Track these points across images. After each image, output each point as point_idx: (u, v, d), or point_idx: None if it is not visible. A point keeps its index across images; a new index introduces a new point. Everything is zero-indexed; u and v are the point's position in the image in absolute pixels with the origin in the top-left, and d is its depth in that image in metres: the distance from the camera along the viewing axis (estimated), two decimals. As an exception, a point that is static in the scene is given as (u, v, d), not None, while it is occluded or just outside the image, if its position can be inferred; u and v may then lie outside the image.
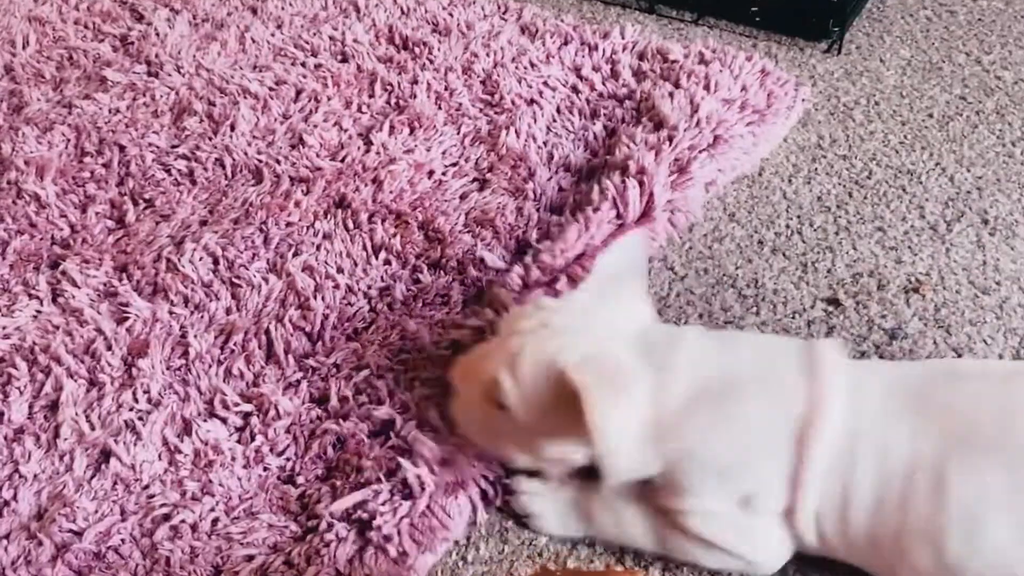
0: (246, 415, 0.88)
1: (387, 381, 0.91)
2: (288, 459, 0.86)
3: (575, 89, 1.27)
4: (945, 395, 0.72)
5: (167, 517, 0.81)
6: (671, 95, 1.19)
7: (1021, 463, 0.67)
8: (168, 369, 0.93)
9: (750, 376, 0.74)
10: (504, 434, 0.78)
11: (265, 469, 0.85)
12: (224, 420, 0.88)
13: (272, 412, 0.88)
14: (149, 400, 0.90)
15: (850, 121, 1.25)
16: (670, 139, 1.11)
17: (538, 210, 1.09)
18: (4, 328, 0.98)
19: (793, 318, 0.99)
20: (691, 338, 0.77)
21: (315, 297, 0.99)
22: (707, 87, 1.20)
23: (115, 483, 0.84)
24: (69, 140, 1.23)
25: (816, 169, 1.18)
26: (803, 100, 1.26)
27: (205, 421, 0.88)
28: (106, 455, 0.86)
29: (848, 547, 0.73)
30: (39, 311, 1.00)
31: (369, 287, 1.02)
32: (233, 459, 0.85)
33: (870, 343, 0.96)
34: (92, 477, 0.84)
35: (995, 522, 0.66)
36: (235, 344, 0.95)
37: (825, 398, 0.72)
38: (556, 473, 0.81)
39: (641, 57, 1.32)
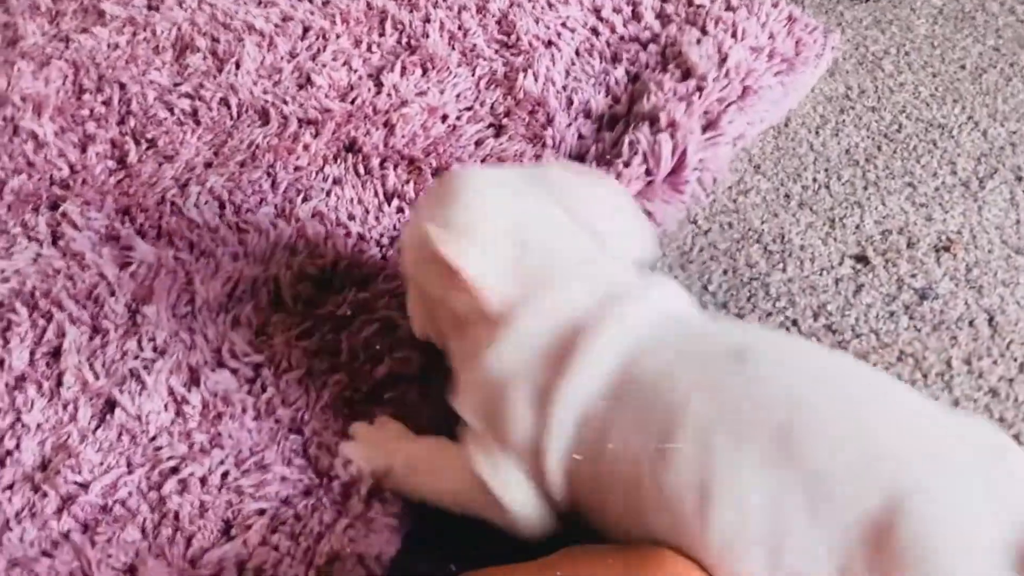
0: (257, 366, 0.85)
1: (399, 333, 0.88)
2: (298, 410, 0.83)
3: (595, 31, 1.22)
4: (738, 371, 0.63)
5: (175, 470, 0.78)
6: (699, 42, 1.15)
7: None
8: (174, 316, 0.89)
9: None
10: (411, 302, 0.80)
11: (276, 421, 0.82)
12: (235, 371, 0.85)
13: (284, 363, 0.85)
14: (155, 348, 0.87)
15: (879, 71, 1.20)
16: (699, 90, 1.06)
17: (557, 158, 1.05)
18: (3, 271, 0.94)
19: (820, 275, 0.96)
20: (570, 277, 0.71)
21: (325, 244, 0.96)
22: (734, 34, 1.15)
23: (120, 434, 0.81)
24: (67, 76, 1.18)
25: (844, 121, 1.14)
26: (832, 48, 1.21)
27: (213, 371, 0.85)
28: (111, 405, 0.83)
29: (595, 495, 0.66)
30: (39, 254, 0.96)
31: (381, 235, 0.98)
32: (244, 411, 0.82)
33: (899, 303, 0.93)
34: (97, 428, 0.81)
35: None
36: (242, 292, 0.91)
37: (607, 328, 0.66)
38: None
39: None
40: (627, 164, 1.00)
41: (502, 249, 0.71)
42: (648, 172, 1.00)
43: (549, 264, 0.71)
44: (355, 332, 0.88)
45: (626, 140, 1.02)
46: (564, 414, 0.65)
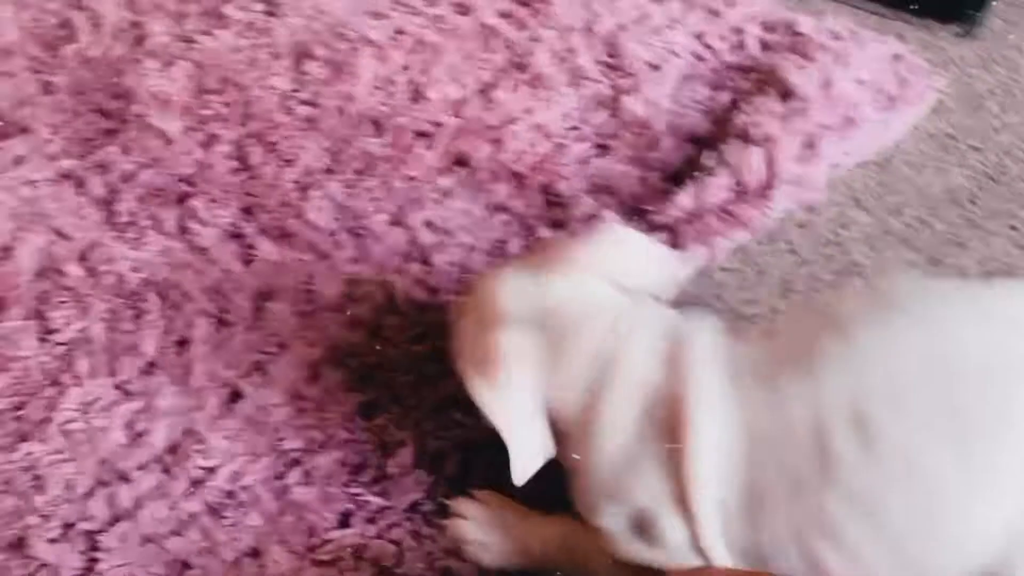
0: (371, 366, 0.89)
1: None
2: (409, 409, 0.87)
3: (699, 57, 1.24)
4: (835, 347, 0.63)
5: (297, 462, 0.83)
6: (801, 68, 1.16)
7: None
8: (295, 314, 0.94)
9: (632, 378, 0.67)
10: None
11: (390, 418, 0.86)
12: (352, 370, 0.89)
13: (398, 367, 0.89)
14: (278, 344, 0.91)
15: (984, 111, 1.21)
16: (802, 111, 1.08)
17: (662, 181, 1.08)
18: (134, 261, 0.99)
19: (921, 313, 0.97)
20: (597, 325, 0.70)
21: (437, 253, 0.99)
22: (841, 64, 1.16)
23: (245, 424, 0.85)
24: (191, 76, 1.24)
25: (947, 160, 1.14)
26: (935, 90, 1.21)
27: (331, 369, 0.89)
28: (236, 395, 0.87)
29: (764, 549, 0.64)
30: (167, 247, 1.02)
31: (490, 246, 1.02)
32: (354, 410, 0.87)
33: (1001, 345, 0.94)
34: (224, 416, 0.86)
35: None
36: (359, 294, 0.96)
37: (690, 397, 0.64)
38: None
39: (768, 29, 1.28)
40: (711, 174, 1.02)
41: (547, 356, 0.69)
42: (738, 183, 1.02)
43: (596, 348, 0.69)
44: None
45: (713, 153, 1.05)
46: (703, 493, 0.63)
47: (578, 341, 0.69)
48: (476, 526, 0.77)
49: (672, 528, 0.65)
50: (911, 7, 1.35)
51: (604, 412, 0.67)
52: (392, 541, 0.77)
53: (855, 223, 1.07)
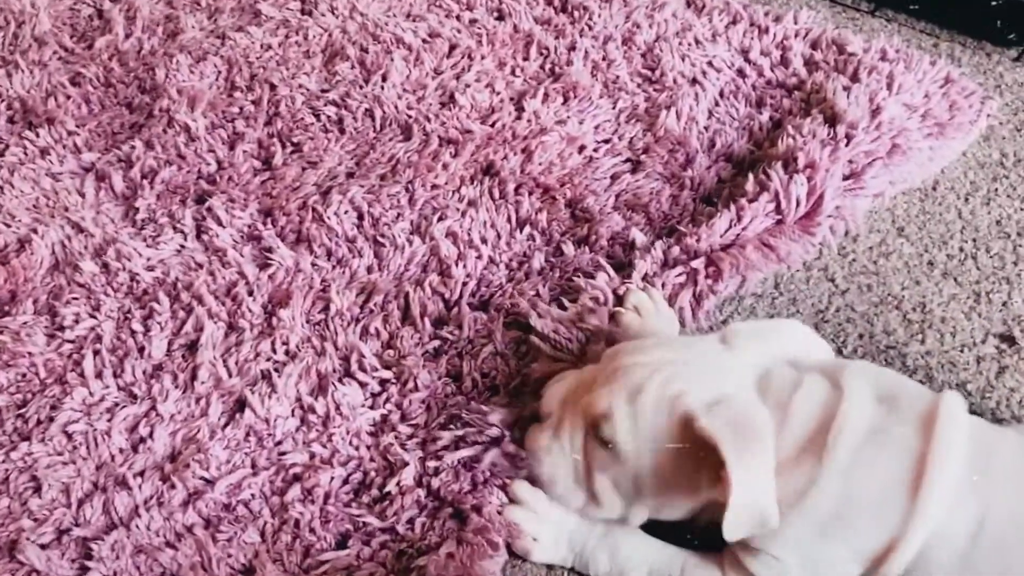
0: (383, 381, 0.87)
1: (509, 361, 0.88)
2: (417, 428, 0.84)
3: (741, 73, 1.20)
4: None
5: (298, 477, 0.80)
6: (847, 89, 1.11)
7: None
8: (308, 323, 0.91)
9: (851, 433, 0.68)
10: (596, 475, 0.73)
11: (396, 437, 0.83)
12: (363, 384, 0.86)
13: (411, 383, 0.86)
14: (287, 352, 0.89)
15: (1038, 140, 1.15)
16: (848, 138, 1.04)
17: (694, 200, 1.04)
18: (149, 260, 0.97)
19: (962, 351, 0.92)
20: (811, 383, 0.71)
21: (456, 265, 0.96)
22: (889, 87, 1.11)
23: (248, 434, 0.83)
24: (220, 72, 1.22)
25: (996, 190, 1.09)
26: (987, 115, 1.16)
27: (341, 382, 0.86)
28: (241, 404, 0.85)
29: None
30: (183, 246, 1.00)
31: (511, 259, 0.99)
32: (362, 427, 0.84)
33: (1046, 391, 0.89)
34: (226, 425, 0.84)
35: None
36: (375, 304, 0.93)
37: (937, 459, 0.66)
38: (636, 523, 0.75)
39: (814, 46, 1.23)
40: (752, 200, 0.98)
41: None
42: (778, 210, 0.98)
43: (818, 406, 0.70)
44: (475, 355, 0.89)
45: (751, 177, 1.00)
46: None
47: (792, 406, 0.69)
48: (531, 517, 0.76)
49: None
50: (968, 30, 1.29)
51: (825, 463, 0.67)
52: (381, 563, 0.74)
53: (896, 252, 1.02)
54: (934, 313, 0.96)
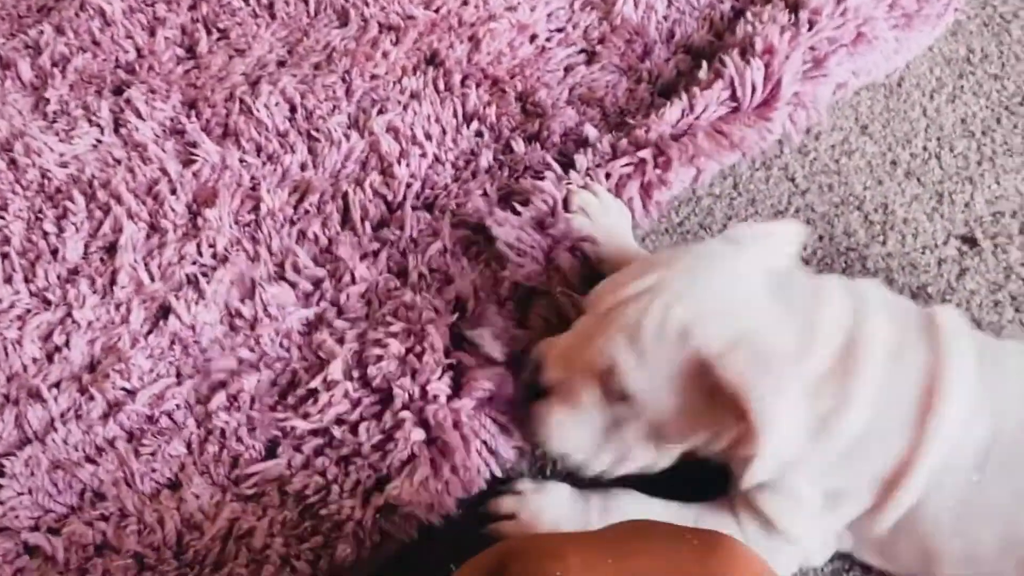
0: (317, 281, 0.81)
1: (460, 261, 0.83)
2: (357, 320, 0.79)
3: (702, -40, 1.13)
4: None
5: (223, 384, 0.75)
6: (812, -22, 1.05)
7: None
8: (236, 224, 0.85)
9: (878, 350, 0.63)
10: (623, 430, 0.66)
11: (332, 333, 0.78)
12: (293, 284, 0.80)
13: (347, 278, 0.80)
14: (215, 255, 0.82)
15: (1005, 35, 1.10)
16: (811, 24, 0.98)
17: (652, 94, 0.98)
18: (62, 155, 0.89)
19: (923, 253, 0.89)
20: (834, 295, 0.65)
21: (399, 163, 0.90)
22: (856, -25, 1.05)
23: (172, 342, 0.77)
24: (139, -50, 1.12)
25: (962, 87, 1.04)
26: (956, 10, 1.11)
27: (270, 284, 0.80)
28: (165, 311, 0.79)
29: (947, 555, 0.64)
30: (99, 140, 0.92)
31: (457, 158, 0.92)
32: (293, 327, 0.78)
33: (1006, 292, 0.86)
34: (149, 333, 0.78)
35: None
36: (310, 205, 0.86)
37: (949, 375, 0.62)
38: (663, 465, 0.68)
39: (779, -69, 1.16)
40: (705, 88, 0.92)
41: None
42: (733, 97, 0.93)
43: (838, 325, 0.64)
44: (422, 251, 0.83)
45: (705, 65, 0.95)
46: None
47: (819, 322, 0.63)
48: (521, 525, 0.70)
49: (862, 500, 0.64)
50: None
51: (856, 385, 0.62)
52: (318, 472, 0.70)
53: (859, 151, 0.98)
54: (896, 214, 0.92)
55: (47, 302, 0.80)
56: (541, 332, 0.77)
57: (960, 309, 0.85)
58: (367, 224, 0.86)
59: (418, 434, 0.72)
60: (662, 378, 0.61)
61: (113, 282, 0.80)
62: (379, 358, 0.74)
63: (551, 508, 0.69)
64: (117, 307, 0.79)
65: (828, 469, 0.64)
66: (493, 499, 0.72)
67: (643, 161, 0.88)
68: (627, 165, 0.88)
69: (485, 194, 0.87)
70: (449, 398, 0.73)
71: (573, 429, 0.66)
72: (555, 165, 0.89)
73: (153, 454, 0.71)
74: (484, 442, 0.71)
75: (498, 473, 0.74)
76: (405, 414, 0.72)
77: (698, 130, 0.91)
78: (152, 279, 0.80)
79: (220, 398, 0.74)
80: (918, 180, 0.95)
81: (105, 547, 0.68)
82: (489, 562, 0.53)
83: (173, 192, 0.86)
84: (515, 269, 0.80)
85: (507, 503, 0.70)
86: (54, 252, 0.83)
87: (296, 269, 0.82)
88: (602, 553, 0.53)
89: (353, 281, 0.81)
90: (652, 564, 0.51)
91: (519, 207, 0.85)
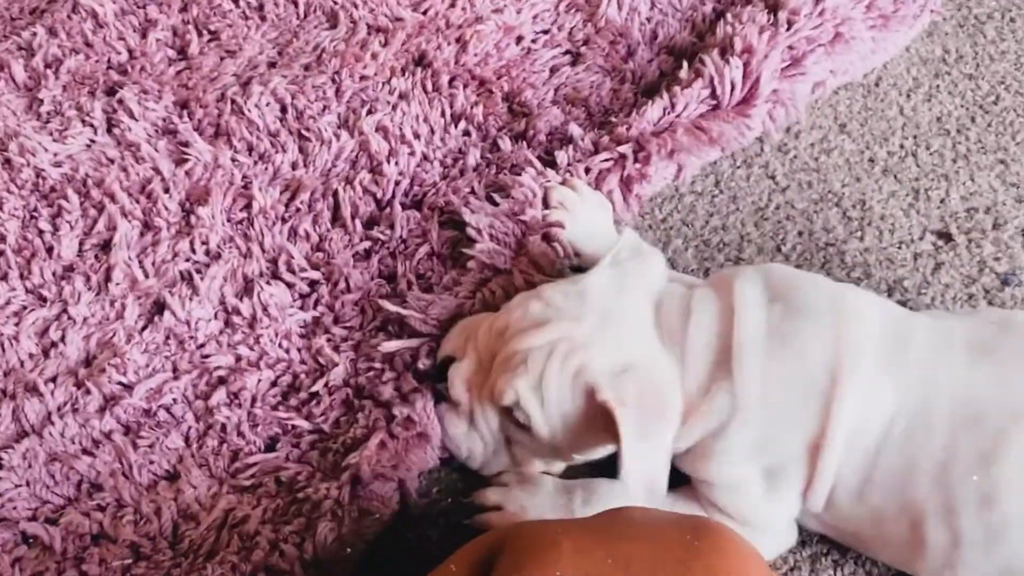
0: (313, 283, 0.83)
1: (445, 262, 0.85)
2: (351, 330, 0.81)
3: (684, -37, 1.15)
4: (1010, 348, 0.65)
5: (223, 380, 0.76)
6: (791, -20, 1.07)
7: None
8: (229, 221, 0.86)
9: (759, 336, 0.66)
10: (515, 447, 0.72)
11: (329, 340, 0.80)
12: (290, 285, 0.82)
13: (342, 284, 0.82)
14: (207, 252, 0.84)
15: (980, 37, 1.13)
16: (789, 24, 1.00)
17: (635, 94, 1.00)
18: (56, 155, 0.91)
19: (899, 248, 0.92)
20: (699, 300, 0.69)
21: (388, 162, 0.92)
22: (834, -23, 1.07)
23: (168, 338, 0.79)
24: (130, -47, 1.13)
25: (938, 86, 1.07)
26: (931, 11, 1.13)
27: (268, 283, 0.82)
28: (159, 307, 0.80)
29: (858, 521, 0.67)
30: (93, 140, 0.93)
31: (445, 156, 0.94)
32: (292, 329, 0.80)
33: (979, 286, 0.89)
34: (144, 328, 0.79)
35: None
36: (301, 203, 0.88)
37: (850, 350, 0.65)
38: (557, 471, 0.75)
39: (760, -65, 1.19)
40: (686, 87, 0.94)
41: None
42: (713, 95, 0.95)
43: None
44: (410, 256, 0.85)
45: (685, 65, 0.97)
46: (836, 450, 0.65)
47: (688, 339, 0.68)
48: (509, 517, 0.73)
49: (796, 472, 0.66)
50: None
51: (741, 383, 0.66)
52: (308, 463, 0.72)
53: (838, 149, 1.00)
54: (874, 210, 0.95)
55: (43, 299, 0.81)
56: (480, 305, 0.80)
57: (936, 302, 0.88)
58: (357, 222, 0.88)
59: (378, 412, 0.74)
60: (559, 415, 0.67)
61: (108, 279, 0.82)
62: (370, 369, 0.77)
63: (535, 499, 0.71)
64: (112, 303, 0.80)
65: (749, 456, 0.67)
66: (479, 491, 0.74)
67: (623, 156, 0.90)
68: (607, 160, 0.90)
69: (473, 192, 0.89)
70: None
71: (470, 439, 0.73)
72: (535, 161, 0.91)
73: (151, 446, 0.73)
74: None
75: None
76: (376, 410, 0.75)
77: (678, 127, 0.93)
78: (146, 275, 0.82)
79: (221, 394, 0.76)
80: (895, 177, 0.98)
81: (102, 537, 0.70)
82: (480, 550, 0.55)
83: (166, 191, 0.88)
84: (481, 250, 0.82)
85: (492, 495, 0.73)
86: (49, 250, 0.84)
87: (291, 269, 0.83)
88: (593, 539, 0.54)
89: (348, 289, 0.83)
90: (642, 548, 0.53)
91: (499, 199, 0.88)
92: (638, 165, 0.90)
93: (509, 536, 0.54)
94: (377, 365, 0.76)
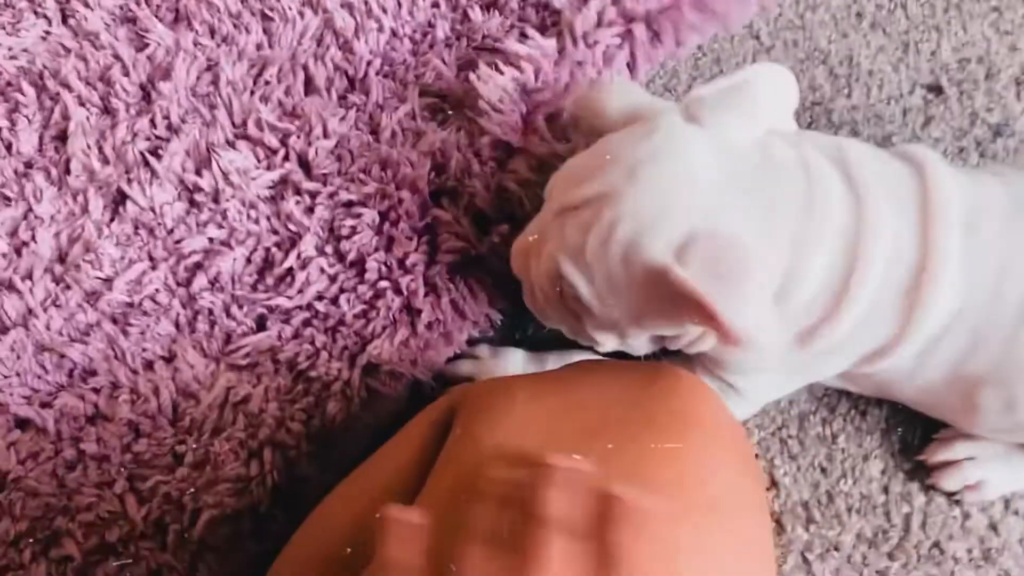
0: (285, 136, 0.80)
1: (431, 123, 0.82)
2: (329, 176, 0.78)
3: None
4: None
5: (199, 266, 0.75)
6: None
7: None
8: (195, 95, 0.83)
9: (879, 252, 0.59)
10: (585, 320, 0.62)
11: (298, 203, 0.77)
12: (257, 142, 0.79)
13: (318, 130, 0.79)
14: (169, 127, 0.81)
15: None
16: None
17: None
18: (10, 49, 0.87)
19: (888, 104, 0.89)
20: (821, 169, 0.60)
21: (357, 39, 0.88)
22: None
23: (137, 227, 0.77)
24: None
25: (928, -66, 1.02)
26: None
27: (228, 149, 0.79)
28: (123, 196, 0.78)
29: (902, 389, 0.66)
30: (48, 31, 0.89)
31: (415, 31, 0.90)
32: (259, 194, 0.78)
33: (971, 139, 0.87)
34: (111, 220, 0.77)
35: None
36: (271, 76, 0.85)
37: (936, 266, 0.59)
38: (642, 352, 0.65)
39: None
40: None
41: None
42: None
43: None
44: (393, 110, 0.82)
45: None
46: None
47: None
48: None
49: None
50: None
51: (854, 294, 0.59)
52: (308, 341, 0.71)
53: (823, 5, 0.96)
54: (861, 66, 0.92)
55: (6, 198, 0.79)
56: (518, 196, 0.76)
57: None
58: (332, 92, 0.85)
59: (397, 302, 0.73)
60: (615, 292, 0.57)
61: (67, 171, 0.79)
62: (353, 230, 0.74)
63: (508, 369, 0.71)
64: (75, 197, 0.78)
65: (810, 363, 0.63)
66: (452, 362, 0.74)
67: (632, 34, 0.85)
68: (616, 36, 0.86)
69: (443, 62, 0.86)
70: (427, 265, 0.73)
71: (542, 306, 0.64)
72: (535, 33, 0.87)
73: (142, 333, 0.72)
74: (453, 302, 0.73)
75: (475, 334, 0.75)
76: (383, 284, 0.73)
77: (683, 3, 0.89)
78: (106, 162, 0.79)
79: (201, 281, 0.74)
80: (884, 31, 0.94)
81: (98, 417, 0.69)
82: (437, 411, 0.55)
83: (126, 74, 0.84)
84: (493, 125, 0.79)
85: (464, 366, 0.72)
86: (8, 147, 0.81)
87: (260, 126, 0.80)
88: (548, 387, 0.54)
89: (325, 135, 0.78)
90: (597, 392, 0.53)
91: (500, 66, 0.83)
92: (647, 46, 0.86)
93: (466, 393, 0.54)
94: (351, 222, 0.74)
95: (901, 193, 0.61)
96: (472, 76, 0.82)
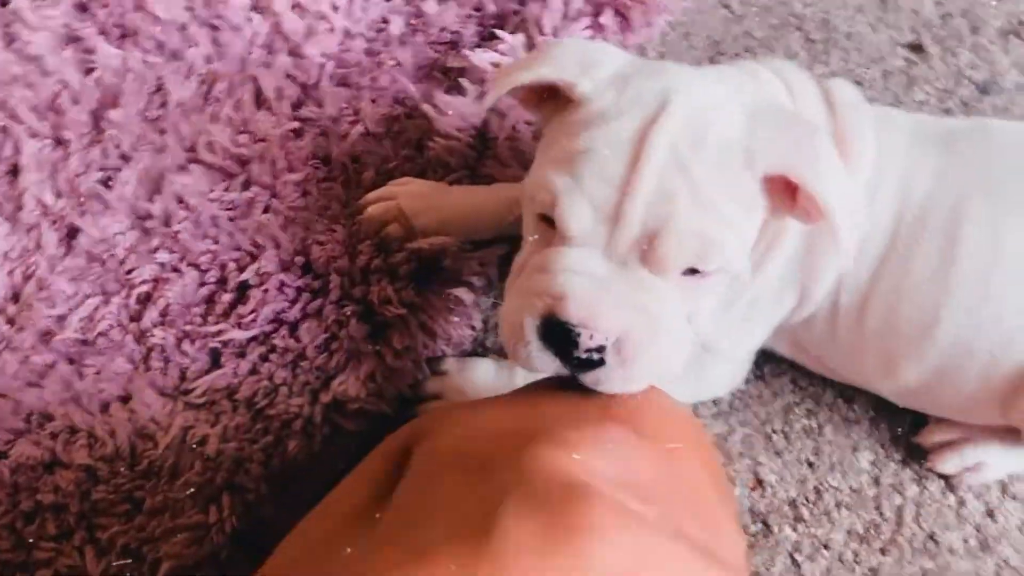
0: (243, 162, 0.78)
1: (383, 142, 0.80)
2: (295, 209, 0.76)
3: None
4: (975, 149, 0.61)
5: (149, 297, 0.73)
6: None
7: None
8: (145, 120, 0.81)
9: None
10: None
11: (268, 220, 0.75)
12: (210, 166, 0.77)
13: (280, 163, 0.78)
14: (121, 156, 0.79)
15: None
16: None
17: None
18: (-48, 79, 0.85)
19: (868, 68, 0.85)
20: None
21: (307, 42, 0.85)
22: None
23: (90, 260, 0.75)
24: None
25: None
26: None
27: (181, 173, 0.77)
28: (75, 230, 0.76)
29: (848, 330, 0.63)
30: (-9, 58, 0.87)
31: (368, 29, 0.87)
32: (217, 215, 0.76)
33: (957, 99, 0.82)
34: (65, 255, 0.75)
35: (1004, 286, 0.58)
36: (220, 92, 0.82)
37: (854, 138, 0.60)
38: None
39: None
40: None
41: None
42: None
43: None
44: (343, 136, 0.80)
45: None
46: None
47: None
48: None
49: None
50: None
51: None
52: (266, 378, 0.69)
53: (797, -34, 0.91)
54: (839, 29, 0.87)
55: (-44, 238, 0.77)
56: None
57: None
58: (284, 104, 0.82)
59: (360, 329, 0.70)
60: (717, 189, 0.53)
61: (20, 208, 0.77)
62: (321, 244, 0.73)
63: (475, 382, 0.69)
64: (28, 232, 0.76)
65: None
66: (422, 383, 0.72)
67: (601, 26, 0.84)
68: (586, 28, 0.84)
69: (398, 64, 0.83)
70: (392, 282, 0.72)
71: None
72: (504, 34, 0.84)
73: (98, 373, 0.70)
74: (423, 324, 0.70)
75: (446, 352, 0.73)
76: (348, 308, 0.71)
77: None
78: (58, 195, 0.77)
79: (152, 314, 0.72)
80: (860, -10, 0.89)
81: (56, 464, 0.68)
82: (394, 443, 0.53)
83: (76, 103, 0.82)
84: (448, 156, 0.77)
85: (431, 385, 0.70)
86: (-43, 184, 0.79)
87: (212, 149, 0.78)
88: (510, 407, 0.52)
89: (289, 169, 0.78)
90: (558, 407, 0.51)
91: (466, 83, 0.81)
92: (618, 35, 0.83)
93: (421, 425, 0.52)
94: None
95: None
96: (426, 107, 0.79)
